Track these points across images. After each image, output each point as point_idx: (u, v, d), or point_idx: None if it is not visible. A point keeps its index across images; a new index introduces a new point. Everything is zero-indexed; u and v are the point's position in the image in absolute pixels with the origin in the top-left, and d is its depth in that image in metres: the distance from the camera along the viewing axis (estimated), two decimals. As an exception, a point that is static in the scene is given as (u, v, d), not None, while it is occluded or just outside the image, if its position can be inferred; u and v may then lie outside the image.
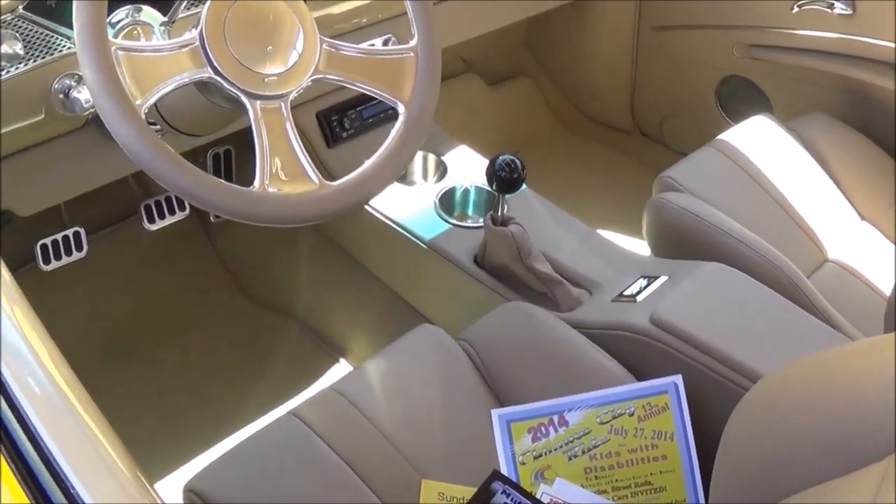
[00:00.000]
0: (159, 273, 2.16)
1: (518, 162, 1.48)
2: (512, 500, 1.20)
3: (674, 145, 2.59)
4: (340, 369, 2.02)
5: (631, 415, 1.29)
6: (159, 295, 2.13)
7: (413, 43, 1.30)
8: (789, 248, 1.66)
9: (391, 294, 1.81)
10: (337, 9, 1.70)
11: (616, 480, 1.27)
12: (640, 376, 1.34)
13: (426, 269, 1.67)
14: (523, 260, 1.51)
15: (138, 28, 1.37)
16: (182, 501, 1.19)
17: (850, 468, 0.71)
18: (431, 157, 1.87)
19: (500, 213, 1.53)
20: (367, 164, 1.24)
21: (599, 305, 1.49)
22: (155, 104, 1.15)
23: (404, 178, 1.84)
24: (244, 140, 1.28)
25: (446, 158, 1.85)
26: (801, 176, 1.88)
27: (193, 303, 2.16)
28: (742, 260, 1.54)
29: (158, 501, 0.83)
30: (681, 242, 1.65)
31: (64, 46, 1.34)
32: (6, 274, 1.04)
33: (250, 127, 1.16)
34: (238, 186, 1.13)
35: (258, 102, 1.16)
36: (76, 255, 1.75)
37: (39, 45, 1.32)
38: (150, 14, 1.38)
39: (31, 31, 1.30)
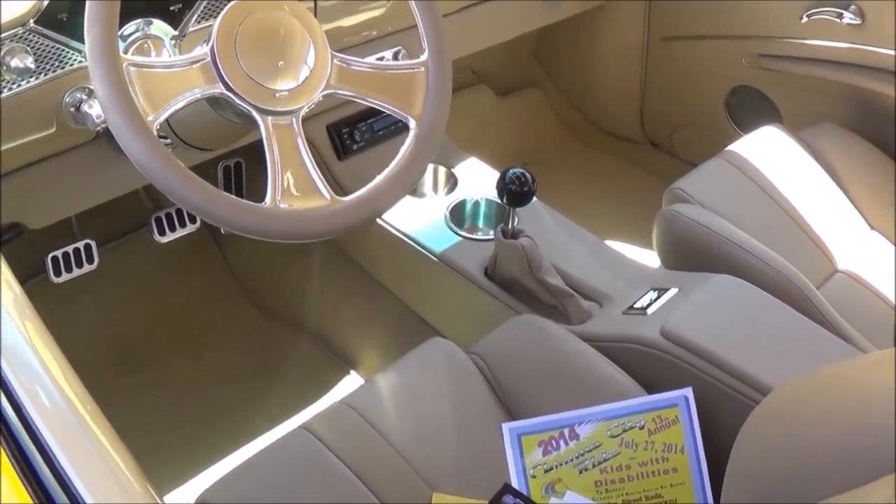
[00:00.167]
0: (170, 285, 2.16)
1: (528, 175, 1.48)
2: (523, 513, 1.21)
3: (684, 156, 2.58)
4: (351, 381, 2.02)
5: (641, 428, 1.29)
6: (170, 307, 2.14)
7: (424, 57, 1.30)
8: (799, 259, 1.65)
9: (402, 306, 1.81)
10: (347, 22, 1.70)
11: (626, 494, 1.27)
12: (650, 389, 1.34)
13: (437, 281, 1.67)
14: (534, 273, 1.51)
15: (149, 42, 1.37)
16: (194, 514, 1.20)
17: (861, 481, 0.71)
18: (442, 170, 1.87)
19: (510, 226, 1.53)
20: (378, 179, 1.24)
21: (610, 318, 1.49)
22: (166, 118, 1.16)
23: (415, 190, 1.84)
24: (255, 152, 1.28)
25: (457, 171, 1.85)
26: (811, 186, 1.87)
27: (204, 315, 2.16)
28: (752, 272, 1.53)
29: None
30: (691, 254, 1.64)
31: (75, 60, 1.34)
32: (17, 286, 1.05)
33: (261, 140, 1.16)
34: (250, 202, 1.13)
35: (269, 118, 1.16)
36: (87, 268, 1.75)
37: (51, 58, 1.32)
38: (160, 28, 1.38)
39: (42, 44, 1.30)
